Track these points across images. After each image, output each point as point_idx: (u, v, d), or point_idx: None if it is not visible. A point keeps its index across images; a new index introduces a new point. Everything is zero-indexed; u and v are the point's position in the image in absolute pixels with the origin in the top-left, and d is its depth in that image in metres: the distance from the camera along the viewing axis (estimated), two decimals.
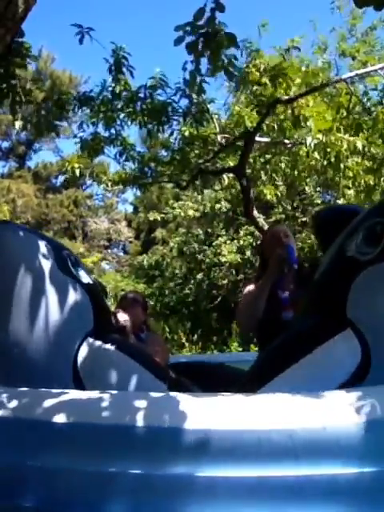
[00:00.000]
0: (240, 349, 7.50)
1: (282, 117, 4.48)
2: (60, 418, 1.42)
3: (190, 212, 9.55)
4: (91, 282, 2.14)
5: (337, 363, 1.66)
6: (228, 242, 9.14)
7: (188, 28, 2.54)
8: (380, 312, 1.66)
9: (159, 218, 10.52)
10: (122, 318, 2.36)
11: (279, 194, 6.03)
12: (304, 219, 8.95)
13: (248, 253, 8.88)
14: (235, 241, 9.10)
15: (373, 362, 1.63)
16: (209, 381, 2.12)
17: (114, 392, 1.58)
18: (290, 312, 2.26)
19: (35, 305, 1.91)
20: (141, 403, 1.43)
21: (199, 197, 9.78)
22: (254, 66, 4.03)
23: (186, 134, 4.76)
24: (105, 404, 1.47)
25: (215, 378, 2.37)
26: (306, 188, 8.23)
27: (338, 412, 1.35)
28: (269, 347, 1.94)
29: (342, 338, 1.67)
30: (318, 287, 1.92)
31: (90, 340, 1.95)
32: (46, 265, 1.96)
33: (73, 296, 1.97)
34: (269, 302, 2.29)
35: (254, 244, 8.68)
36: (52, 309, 1.92)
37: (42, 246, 2.01)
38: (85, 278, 2.08)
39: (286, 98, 4.13)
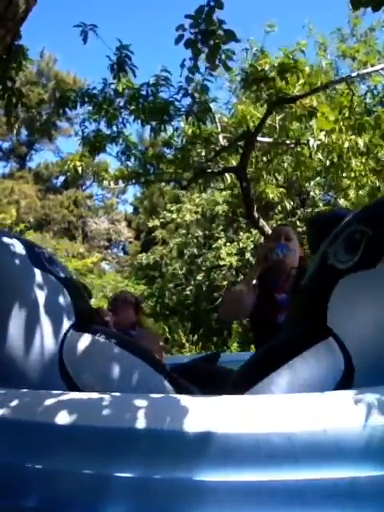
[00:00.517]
0: (240, 349, 7.50)
1: (290, 113, 4.46)
2: (60, 420, 1.41)
3: (187, 216, 9.58)
4: (68, 277, 2.11)
5: (318, 374, 1.62)
6: (227, 244, 9.15)
7: (187, 24, 2.54)
8: (358, 322, 1.64)
9: (158, 223, 10.54)
10: (105, 314, 2.34)
11: (280, 195, 6.02)
12: (304, 227, 8.95)
13: (248, 255, 8.89)
14: (235, 243, 9.11)
15: (356, 375, 1.59)
16: (207, 382, 2.10)
17: (116, 394, 1.58)
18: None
19: (14, 302, 1.88)
20: (140, 405, 1.42)
21: (197, 199, 9.79)
22: (260, 65, 4.02)
23: (189, 132, 4.75)
24: (104, 406, 1.47)
25: (213, 378, 2.35)
26: (312, 192, 8.22)
27: (338, 414, 1.34)
28: (256, 352, 1.93)
29: (322, 348, 1.64)
30: (302, 294, 1.91)
31: (75, 332, 1.91)
32: (21, 262, 1.94)
33: (51, 290, 1.94)
34: (265, 304, 2.29)
35: (254, 246, 8.70)
36: (31, 305, 1.88)
37: (14, 244, 1.98)
38: (61, 273, 2.05)
39: (289, 97, 4.12)
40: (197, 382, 2.04)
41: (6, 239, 1.99)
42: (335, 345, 1.63)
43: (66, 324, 1.92)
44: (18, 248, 1.97)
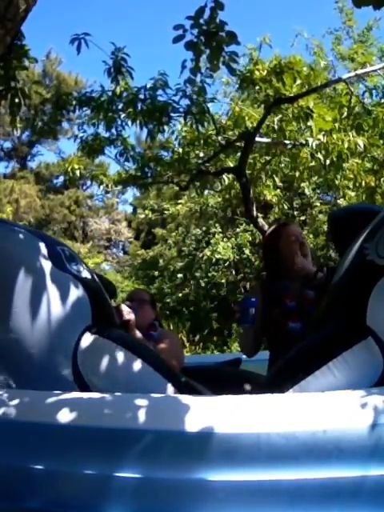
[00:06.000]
0: (240, 349, 7.51)
1: (288, 115, 4.46)
2: (60, 420, 1.42)
3: (180, 207, 9.64)
4: (89, 277, 2.06)
5: (357, 375, 1.58)
6: (224, 239, 9.17)
7: (187, 25, 2.54)
8: None
9: (153, 217, 10.57)
10: (125, 311, 2.29)
11: (278, 197, 6.02)
12: (303, 218, 8.98)
13: (246, 251, 8.88)
14: (232, 239, 9.14)
15: None
16: (217, 383, 2.09)
17: (117, 393, 1.58)
18: (297, 322, 2.22)
19: (29, 302, 1.86)
20: (141, 405, 1.43)
21: (196, 197, 9.85)
22: (256, 65, 4.03)
23: (188, 137, 4.75)
24: (106, 405, 1.47)
25: (222, 380, 2.33)
26: (306, 190, 8.24)
27: (338, 414, 1.35)
28: (288, 353, 1.87)
29: (362, 348, 1.59)
30: (337, 291, 1.84)
31: (89, 335, 1.89)
32: (39, 261, 1.91)
33: (68, 291, 1.91)
34: (276, 311, 2.27)
35: (253, 242, 8.72)
36: (47, 305, 1.86)
37: (35, 242, 1.95)
38: (81, 273, 2.01)
39: (287, 97, 4.13)
40: (215, 385, 2.01)
41: (26, 236, 1.95)
42: (374, 345, 1.58)
43: (82, 325, 1.90)
44: (38, 246, 1.94)
